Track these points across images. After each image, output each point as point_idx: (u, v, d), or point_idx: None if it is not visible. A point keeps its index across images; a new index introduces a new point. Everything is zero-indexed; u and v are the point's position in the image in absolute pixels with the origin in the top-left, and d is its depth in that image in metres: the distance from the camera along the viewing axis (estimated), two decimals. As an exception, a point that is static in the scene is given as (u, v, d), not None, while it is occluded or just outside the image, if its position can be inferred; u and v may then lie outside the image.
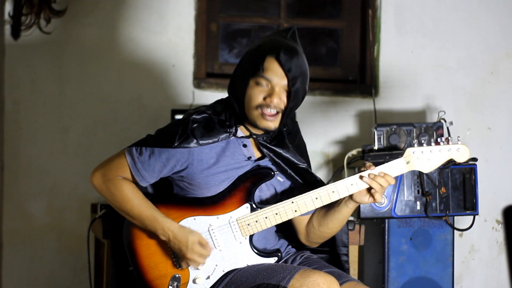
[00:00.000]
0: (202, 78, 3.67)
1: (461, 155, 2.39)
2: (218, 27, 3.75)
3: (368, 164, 2.38)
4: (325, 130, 3.71)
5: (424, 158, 2.37)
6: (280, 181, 2.50)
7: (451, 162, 3.19)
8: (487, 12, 3.83)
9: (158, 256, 2.43)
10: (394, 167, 2.37)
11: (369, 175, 2.34)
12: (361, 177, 2.34)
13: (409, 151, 2.37)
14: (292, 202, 2.36)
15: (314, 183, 2.47)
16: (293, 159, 2.46)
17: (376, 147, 3.30)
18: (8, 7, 3.46)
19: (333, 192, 2.37)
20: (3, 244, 3.53)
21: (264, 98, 2.34)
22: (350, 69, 3.84)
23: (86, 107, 3.57)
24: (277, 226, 2.59)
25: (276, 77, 2.33)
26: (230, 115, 2.43)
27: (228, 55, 3.80)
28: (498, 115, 3.83)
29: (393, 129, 3.30)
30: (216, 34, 3.74)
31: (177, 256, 2.40)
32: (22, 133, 3.54)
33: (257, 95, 2.34)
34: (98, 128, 3.58)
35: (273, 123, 2.37)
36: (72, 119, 3.57)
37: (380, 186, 2.33)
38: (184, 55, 3.64)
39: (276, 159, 2.45)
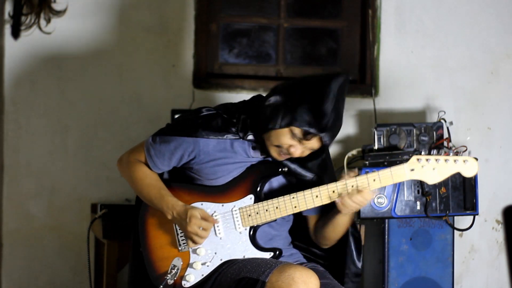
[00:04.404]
0: (202, 78, 3.67)
1: (468, 169, 2.28)
2: (218, 27, 3.75)
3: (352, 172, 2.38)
4: (325, 130, 3.70)
5: (430, 168, 2.29)
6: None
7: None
8: (487, 12, 3.82)
9: (165, 237, 2.48)
10: (396, 173, 2.30)
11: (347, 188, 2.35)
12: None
13: (414, 158, 2.29)
14: (293, 198, 2.37)
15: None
16: (299, 170, 2.48)
17: (376, 147, 3.30)
18: (8, 7, 3.46)
19: (333, 191, 2.36)
20: (3, 244, 3.53)
21: (289, 146, 2.37)
22: (350, 69, 3.84)
23: (86, 107, 3.57)
24: (296, 238, 2.62)
25: (313, 143, 2.38)
26: (245, 120, 2.46)
27: (228, 55, 3.80)
28: (498, 115, 3.83)
29: (393, 129, 3.30)
30: (216, 34, 3.74)
31: (181, 235, 2.44)
32: (22, 133, 3.53)
33: (284, 140, 2.37)
34: (98, 128, 3.58)
35: (283, 159, 2.45)
36: (72, 119, 3.56)
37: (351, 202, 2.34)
38: (184, 55, 3.64)
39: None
